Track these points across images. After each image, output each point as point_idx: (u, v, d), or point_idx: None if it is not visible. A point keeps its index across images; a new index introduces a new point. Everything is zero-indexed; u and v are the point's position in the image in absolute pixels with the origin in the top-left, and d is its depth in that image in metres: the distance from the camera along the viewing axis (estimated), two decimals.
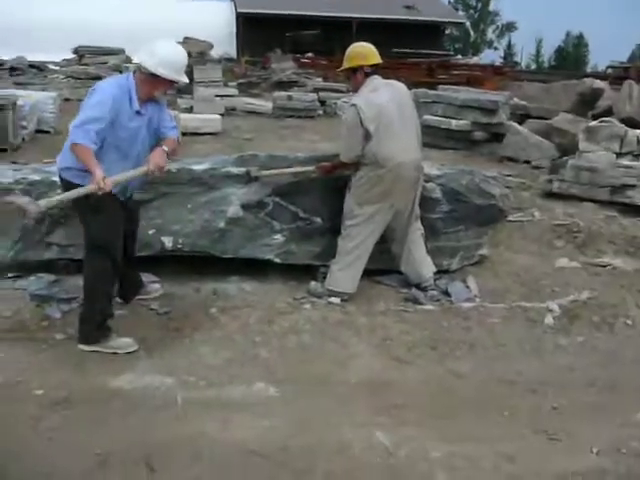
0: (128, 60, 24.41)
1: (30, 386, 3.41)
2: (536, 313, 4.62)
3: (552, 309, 4.69)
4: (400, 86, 4.71)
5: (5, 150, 9.17)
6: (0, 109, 9.63)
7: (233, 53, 31.89)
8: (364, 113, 4.36)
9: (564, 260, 5.64)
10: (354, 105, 4.44)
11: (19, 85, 17.86)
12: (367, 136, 4.39)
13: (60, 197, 3.71)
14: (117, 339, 3.83)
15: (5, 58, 23.14)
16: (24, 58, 22.98)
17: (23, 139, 10.06)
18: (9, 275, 4.75)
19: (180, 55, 3.85)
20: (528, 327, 4.44)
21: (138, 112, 3.77)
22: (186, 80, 3.90)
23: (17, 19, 31.11)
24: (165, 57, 3.71)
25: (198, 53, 23.84)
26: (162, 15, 32.55)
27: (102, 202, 3.65)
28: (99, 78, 13.25)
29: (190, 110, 15.48)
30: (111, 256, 3.84)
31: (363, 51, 4.61)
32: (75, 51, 23.92)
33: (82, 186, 3.60)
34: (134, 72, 3.85)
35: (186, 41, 24.70)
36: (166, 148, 3.92)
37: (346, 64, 4.61)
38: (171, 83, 3.87)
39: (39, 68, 22.71)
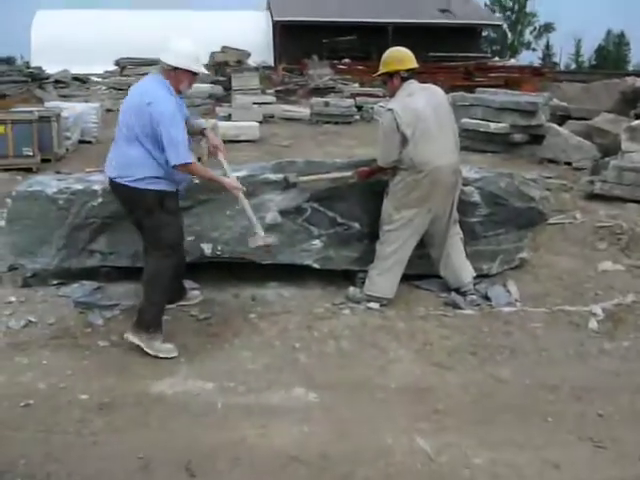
0: None
1: (74, 391, 3.48)
2: (579, 317, 4.54)
3: (596, 313, 4.60)
4: (436, 90, 4.69)
5: (49, 160, 9.40)
6: (45, 121, 9.88)
7: (270, 61, 32.12)
8: (400, 118, 4.35)
9: (607, 263, 5.52)
10: (390, 110, 4.43)
11: (63, 97, 18.30)
12: (404, 141, 4.37)
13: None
14: (161, 343, 3.89)
15: (50, 72, 23.74)
16: (68, 71, 23.58)
17: (67, 149, 10.31)
18: (53, 282, 4.85)
19: (192, 47, 4.06)
20: (571, 331, 4.36)
21: (179, 105, 4.03)
22: (204, 71, 4.20)
23: (62, 35, 31.91)
24: (179, 50, 3.97)
25: (236, 62, 24.07)
26: (200, 25, 33.01)
27: (174, 204, 4.05)
28: None
29: (228, 118, 15.64)
30: (179, 255, 4.17)
31: (399, 56, 4.59)
32: (117, 63, 24.44)
33: (163, 190, 3.95)
34: (158, 72, 4.08)
35: (224, 50, 24.99)
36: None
37: (382, 69, 4.60)
38: (192, 75, 4.05)
39: (82, 80, 23.27)
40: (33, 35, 34.69)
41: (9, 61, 35.64)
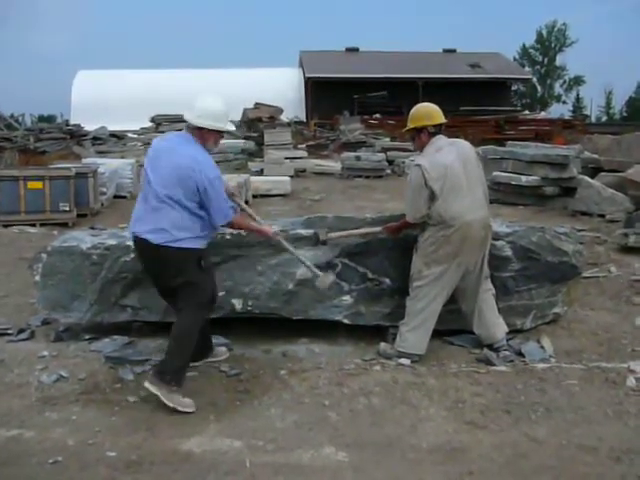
0: None
1: (102, 448, 3.46)
2: (616, 374, 4.41)
3: (634, 370, 4.46)
4: (465, 144, 4.71)
5: (86, 215, 9.60)
6: (82, 177, 10.15)
7: (302, 116, 32.75)
8: (428, 173, 4.37)
9: None
10: (418, 165, 4.45)
11: (100, 153, 18.81)
12: (432, 196, 4.38)
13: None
14: (181, 397, 3.88)
15: (88, 129, 24.47)
16: (105, 128, 24.32)
17: (102, 204, 10.54)
18: (85, 337, 4.91)
19: (216, 104, 4.06)
20: (608, 389, 4.23)
21: None
22: (230, 128, 4.19)
23: (100, 93, 33.01)
24: (202, 108, 3.99)
25: (268, 117, 24.54)
26: (233, 82, 33.91)
27: (209, 260, 4.15)
28: None
29: (261, 173, 15.88)
30: (210, 309, 4.27)
31: (428, 111, 4.64)
32: (152, 119, 25.12)
33: (201, 249, 4.04)
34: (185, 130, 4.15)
35: (257, 106, 25.54)
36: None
37: (410, 124, 4.65)
38: (218, 133, 4.08)
39: (119, 137, 23.94)
40: (73, 94, 36.01)
41: (50, 119, 36.94)
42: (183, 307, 4.04)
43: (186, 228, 3.92)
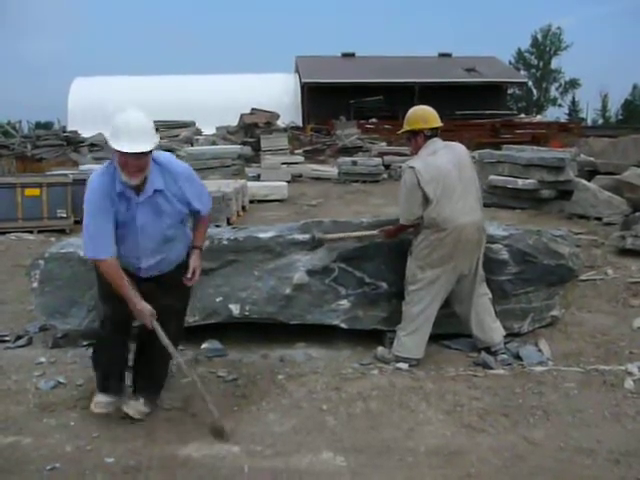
0: (198, 132, 25.45)
1: (100, 454, 3.46)
2: (614, 377, 4.41)
3: (632, 372, 4.47)
4: (459, 147, 4.71)
5: None
6: (79, 183, 10.12)
7: (299, 121, 32.79)
8: (422, 176, 4.37)
9: None
10: (412, 168, 4.45)
11: (98, 160, 18.81)
12: (426, 199, 4.39)
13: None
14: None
15: (86, 135, 24.46)
16: (103, 135, 24.29)
17: None
18: (83, 343, 4.91)
19: (129, 120, 3.38)
20: (606, 392, 4.24)
21: (122, 194, 3.48)
22: (120, 148, 3.30)
23: (97, 99, 33.03)
24: (116, 125, 3.37)
25: (265, 123, 24.60)
26: (230, 88, 33.95)
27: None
28: (171, 150, 13.82)
29: (257, 178, 15.89)
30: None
31: (424, 115, 4.64)
32: None
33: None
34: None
35: (253, 112, 25.61)
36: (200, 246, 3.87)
37: (406, 127, 4.65)
38: (122, 155, 3.34)
39: None
40: (70, 100, 36.04)
41: (47, 126, 36.94)
42: (177, 316, 3.95)
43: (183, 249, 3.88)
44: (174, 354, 3.65)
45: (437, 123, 4.62)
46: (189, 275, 3.75)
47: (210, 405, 3.63)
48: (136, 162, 3.35)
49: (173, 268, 3.77)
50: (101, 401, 3.90)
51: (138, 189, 3.48)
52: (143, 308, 3.53)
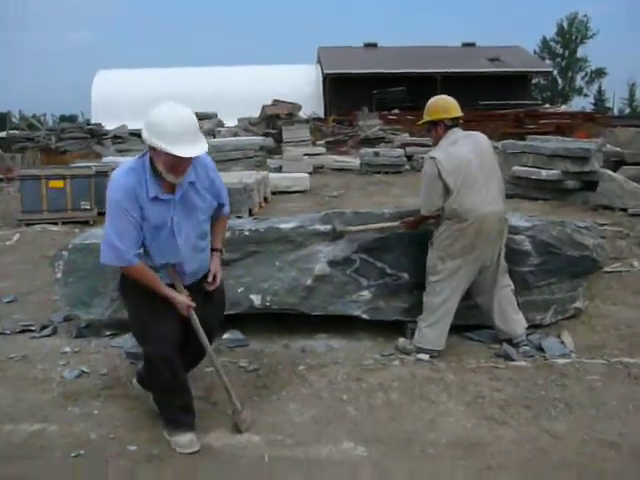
0: (220, 124, 25.52)
1: (124, 442, 3.50)
2: (638, 370, 4.35)
3: None
4: (481, 137, 4.66)
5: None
6: (102, 175, 10.24)
7: (321, 113, 32.75)
8: (442, 166, 4.34)
9: None
10: (433, 158, 4.42)
11: (121, 152, 18.97)
12: (447, 189, 4.36)
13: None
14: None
15: (109, 128, 24.65)
16: (126, 127, 24.50)
17: None
18: (106, 333, 4.97)
19: (183, 120, 3.15)
20: (630, 385, 4.19)
21: (155, 199, 3.25)
22: (184, 154, 3.07)
23: (120, 92, 33.28)
24: (164, 125, 3.10)
25: (287, 114, 24.59)
26: (252, 79, 33.96)
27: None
28: None
29: (279, 169, 15.91)
30: None
31: (445, 104, 4.60)
32: None
33: None
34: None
35: (275, 103, 25.60)
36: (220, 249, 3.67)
37: (427, 117, 4.61)
38: (169, 156, 3.09)
39: (139, 135, 24.10)
40: (93, 93, 36.36)
41: (71, 119, 37.31)
42: (217, 321, 3.85)
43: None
44: (207, 347, 3.60)
45: (458, 113, 4.58)
46: (210, 279, 3.57)
47: (234, 399, 3.62)
48: (188, 162, 3.17)
49: (202, 276, 3.60)
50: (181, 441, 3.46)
51: (174, 187, 3.28)
52: (181, 299, 3.38)
